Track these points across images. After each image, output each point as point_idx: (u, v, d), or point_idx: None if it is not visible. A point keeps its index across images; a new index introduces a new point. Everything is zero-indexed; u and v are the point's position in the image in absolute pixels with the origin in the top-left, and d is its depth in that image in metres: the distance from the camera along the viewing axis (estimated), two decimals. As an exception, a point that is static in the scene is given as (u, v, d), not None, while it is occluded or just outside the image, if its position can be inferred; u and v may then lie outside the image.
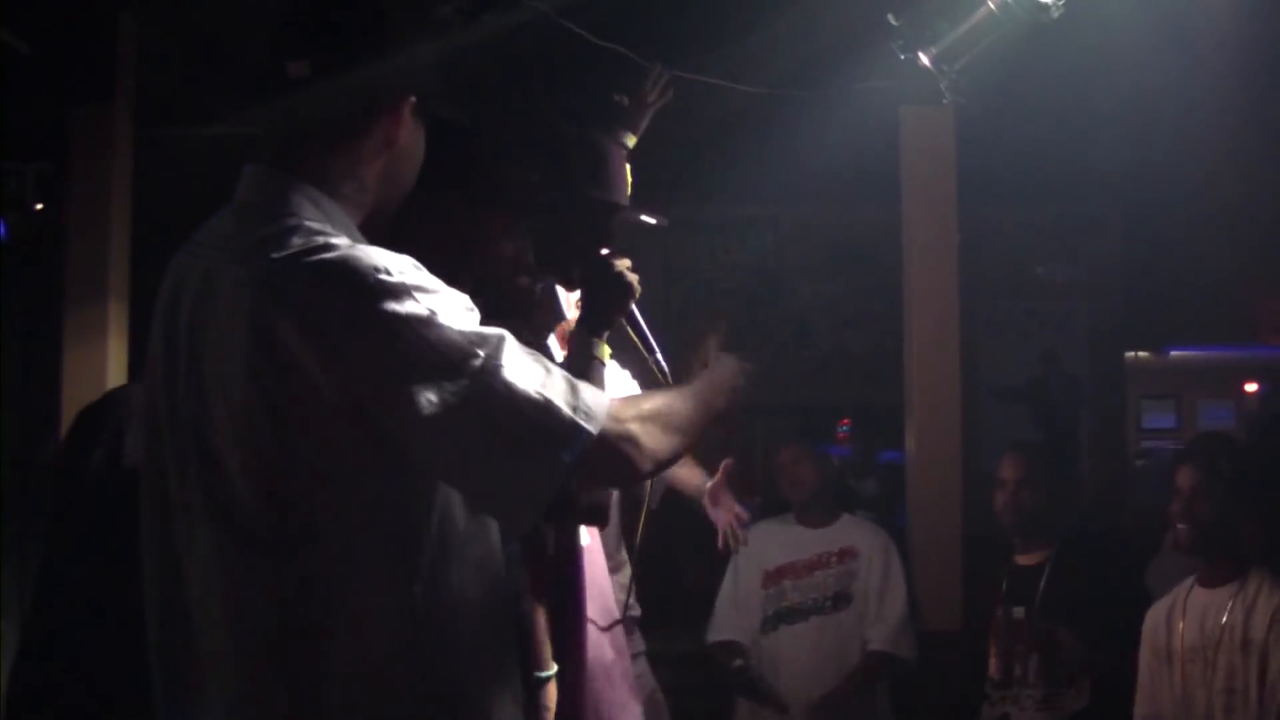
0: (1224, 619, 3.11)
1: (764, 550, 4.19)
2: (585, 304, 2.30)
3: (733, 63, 4.46)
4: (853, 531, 4.16)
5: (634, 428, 1.62)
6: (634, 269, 2.26)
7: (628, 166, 2.68)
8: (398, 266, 1.50)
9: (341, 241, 1.52)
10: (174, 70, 4.59)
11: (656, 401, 1.72)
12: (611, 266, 2.25)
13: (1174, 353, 7.43)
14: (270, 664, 1.52)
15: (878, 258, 5.69)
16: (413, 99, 1.70)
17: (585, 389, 1.57)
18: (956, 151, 4.67)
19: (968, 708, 3.94)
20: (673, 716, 3.44)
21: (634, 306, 2.30)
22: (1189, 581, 3.28)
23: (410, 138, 1.71)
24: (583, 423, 1.53)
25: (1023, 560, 3.93)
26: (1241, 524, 3.18)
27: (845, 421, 9.00)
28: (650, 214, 2.68)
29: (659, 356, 2.33)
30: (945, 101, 3.41)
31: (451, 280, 1.59)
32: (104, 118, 4.31)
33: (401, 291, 1.48)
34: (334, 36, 1.64)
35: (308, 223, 1.56)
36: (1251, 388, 7.98)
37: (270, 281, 1.49)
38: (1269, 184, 6.20)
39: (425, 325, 1.48)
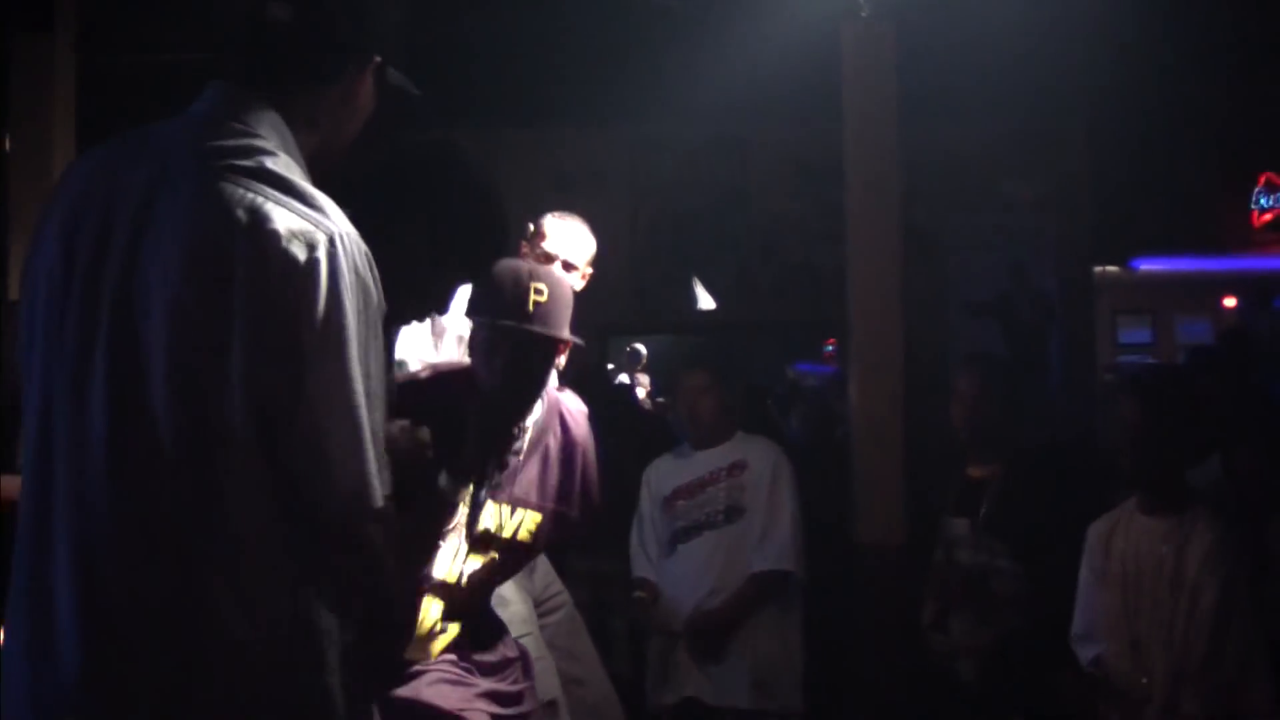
0: (1158, 551, 3.02)
1: (662, 482, 4.15)
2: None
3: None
4: (744, 446, 4.10)
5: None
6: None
7: None
8: (365, 269, 1.56)
9: (312, 194, 1.57)
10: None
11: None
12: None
13: (1143, 266, 7.37)
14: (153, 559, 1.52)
15: (842, 174, 5.66)
16: (379, 60, 1.74)
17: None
18: (896, 66, 4.63)
19: (910, 622, 3.94)
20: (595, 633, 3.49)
21: None
22: (1130, 503, 3.16)
23: (368, 98, 1.76)
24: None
25: (974, 473, 3.88)
26: (1179, 456, 3.09)
27: (831, 341, 8.91)
28: None
29: None
30: (864, 15, 3.39)
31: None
32: (44, 46, 4.34)
33: (352, 300, 1.52)
34: None
35: (272, 151, 1.60)
36: (1230, 303, 7.89)
37: (237, 203, 1.53)
38: (1235, 88, 6.14)
39: (351, 340, 1.52)
